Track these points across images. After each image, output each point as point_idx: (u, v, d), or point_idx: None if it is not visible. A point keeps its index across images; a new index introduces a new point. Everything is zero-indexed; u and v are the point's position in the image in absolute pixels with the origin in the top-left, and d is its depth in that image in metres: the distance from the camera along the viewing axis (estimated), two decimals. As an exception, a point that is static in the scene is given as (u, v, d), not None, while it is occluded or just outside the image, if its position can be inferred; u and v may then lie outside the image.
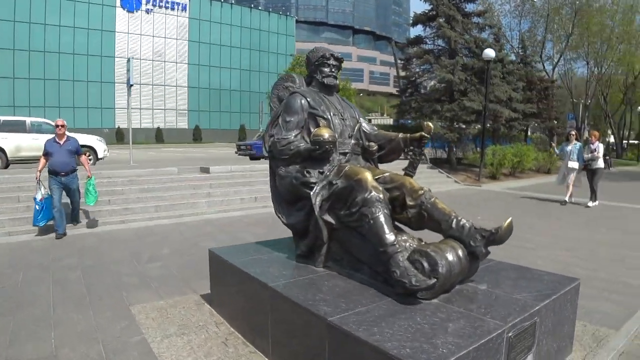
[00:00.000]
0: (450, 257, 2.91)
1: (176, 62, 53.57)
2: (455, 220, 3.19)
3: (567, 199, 11.88)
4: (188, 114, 55.40)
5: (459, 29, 18.19)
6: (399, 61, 26.02)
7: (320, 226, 3.38)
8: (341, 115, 3.88)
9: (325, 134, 3.48)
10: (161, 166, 12.59)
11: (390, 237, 3.00)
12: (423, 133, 3.80)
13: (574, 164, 11.68)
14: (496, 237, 3.00)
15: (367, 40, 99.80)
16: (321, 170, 3.52)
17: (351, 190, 3.23)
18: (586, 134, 26.61)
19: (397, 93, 24.65)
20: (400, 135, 3.96)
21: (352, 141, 3.85)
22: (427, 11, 19.26)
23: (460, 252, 3.00)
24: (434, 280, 2.74)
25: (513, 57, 24.24)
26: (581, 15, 28.14)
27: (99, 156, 15.73)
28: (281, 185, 3.76)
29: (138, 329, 3.76)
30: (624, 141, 43.74)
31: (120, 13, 49.22)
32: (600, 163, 11.69)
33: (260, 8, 65.32)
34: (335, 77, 4.02)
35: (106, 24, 48.21)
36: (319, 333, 2.57)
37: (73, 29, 46.13)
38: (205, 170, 12.03)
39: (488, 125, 18.08)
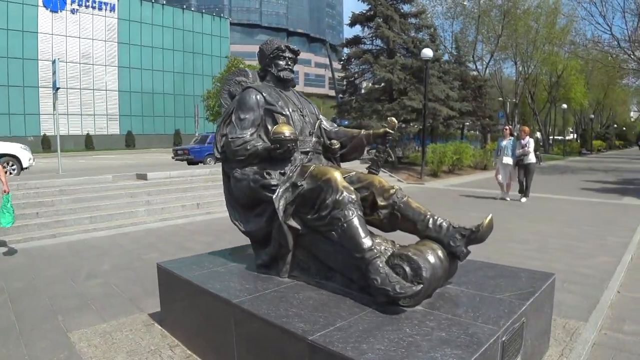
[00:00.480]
0: (432, 259, 2.73)
1: (105, 65, 50.93)
2: (431, 219, 3.01)
3: (504, 194, 12.00)
4: (119, 119, 52.82)
5: (397, 29, 18.44)
6: (335, 61, 26.08)
7: (285, 232, 3.08)
8: (300, 112, 3.60)
9: (286, 131, 3.18)
10: (94, 174, 11.74)
11: (367, 241, 2.76)
12: (387, 129, 3.60)
13: (508, 160, 11.70)
14: (477, 235, 2.86)
15: (301, 43, 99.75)
16: (282, 171, 3.22)
17: (319, 191, 2.95)
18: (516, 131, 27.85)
19: (332, 94, 24.72)
20: (363, 132, 3.74)
21: (314, 139, 3.58)
22: (365, 11, 19.38)
23: (440, 253, 2.83)
24: (419, 287, 2.52)
25: (447, 57, 24.97)
26: (509, 18, 29.46)
27: (24, 166, 14.54)
28: (237, 189, 3.42)
29: (80, 359, 3.29)
30: (550, 137, 46.42)
31: (43, 13, 45.98)
32: (532, 158, 11.83)
33: (192, 9, 63.58)
34: (292, 71, 3.73)
35: (28, 24, 44.82)
36: (299, 354, 2.27)
37: (-10, 30, 42.80)
38: (142, 176, 11.32)
39: (428, 123, 18.42)
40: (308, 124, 3.60)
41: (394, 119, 3.73)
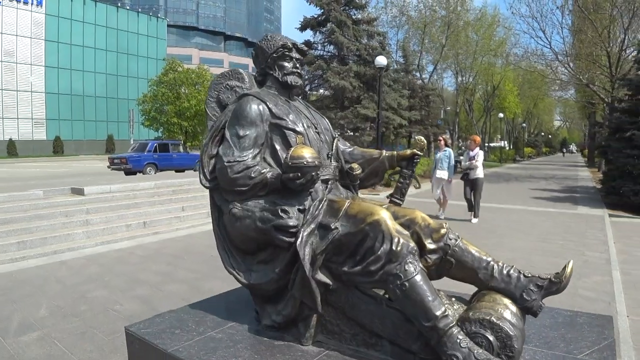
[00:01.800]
0: (515, 321, 2.12)
1: (31, 64, 47.18)
2: (496, 266, 2.39)
3: (439, 213, 10.55)
4: (46, 123, 49.12)
5: (350, 35, 17.99)
6: None
7: (313, 290, 2.30)
8: (315, 128, 2.85)
9: (308, 155, 2.41)
10: (20, 188, 10.28)
11: (437, 305, 2.06)
12: (415, 150, 2.97)
13: (442, 173, 10.37)
14: (559, 286, 2.28)
15: (239, 47, 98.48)
16: (301, 207, 2.46)
17: (363, 237, 2.21)
18: (455, 140, 28.36)
19: None
20: (385, 153, 3.04)
21: (333, 163, 2.83)
22: (317, 16, 18.78)
23: (516, 311, 2.24)
24: (511, 362, 1.87)
25: (394, 66, 24.93)
26: (452, 29, 30.01)
27: None
28: (236, 229, 2.59)
29: None
30: (486, 144, 48.09)
31: (-42, 5, 42.14)
32: (480, 172, 10.22)
33: (127, 8, 60.57)
34: (300, 75, 2.96)
35: (-61, 17, 40.92)
36: None
37: None
38: (79, 191, 10.00)
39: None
40: (325, 144, 2.85)
41: (422, 138, 3.10)
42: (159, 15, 66.54)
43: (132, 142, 25.61)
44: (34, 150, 45.98)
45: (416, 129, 24.02)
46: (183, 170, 21.32)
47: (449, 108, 39.61)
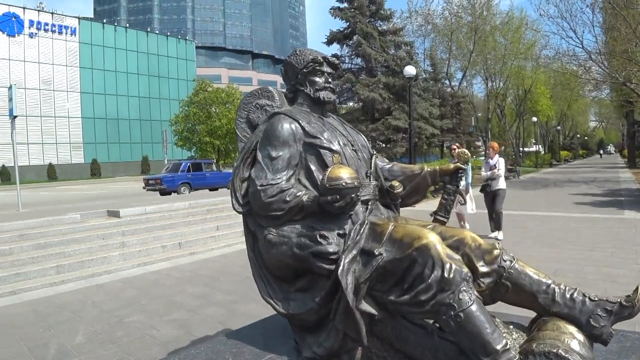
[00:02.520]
0: (582, 351, 1.89)
1: (67, 91, 49.00)
2: (557, 289, 2.16)
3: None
4: (83, 147, 50.73)
5: (377, 46, 17.88)
6: None
7: (357, 321, 2.14)
8: (352, 145, 2.69)
9: (346, 176, 2.24)
10: (58, 212, 10.49)
11: (497, 338, 1.87)
12: (459, 164, 2.74)
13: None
14: (633, 310, 2.04)
15: (266, 64, 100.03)
16: (341, 232, 2.30)
17: (410, 264, 2.04)
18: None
19: None
20: (426, 168, 2.85)
21: (373, 182, 2.66)
22: (343, 29, 18.76)
23: (583, 340, 2.00)
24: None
25: (423, 75, 24.65)
26: (479, 34, 29.54)
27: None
28: (272, 256, 2.44)
29: None
30: (520, 149, 46.99)
31: None
32: (502, 183, 9.21)
33: (157, 32, 62.26)
34: (333, 90, 2.82)
35: (-18, 49, 42.83)
36: None
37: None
38: (115, 214, 10.13)
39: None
40: (363, 162, 2.69)
41: (466, 150, 2.90)
42: (187, 37, 68.21)
43: (166, 162, 26.02)
44: (72, 173, 47.42)
45: (448, 138, 23.61)
46: (217, 189, 21.53)
47: (479, 114, 38.92)
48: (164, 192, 19.93)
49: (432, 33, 30.61)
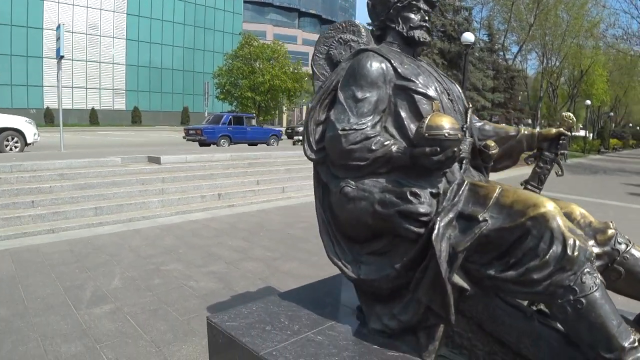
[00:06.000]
0: None
1: (113, 37, 49.20)
2: None
3: None
4: (126, 94, 51.28)
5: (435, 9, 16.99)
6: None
7: (447, 295, 1.80)
8: (448, 94, 2.31)
9: (448, 125, 1.87)
10: (99, 154, 10.45)
11: (625, 333, 1.54)
12: (562, 129, 2.35)
13: None
14: None
15: (312, 24, 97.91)
16: (434, 191, 1.94)
17: (523, 235, 1.67)
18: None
19: None
20: (523, 130, 2.44)
21: (468, 138, 2.28)
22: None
23: None
24: None
25: (480, 45, 23.50)
26: (542, 7, 27.83)
27: (28, 141, 13.39)
28: (346, 212, 2.09)
29: None
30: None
31: (50, -21, 44.32)
32: None
33: (205, -16, 61.53)
34: (429, 30, 2.42)
35: (33, -10, 43.20)
36: None
37: (-7, -5, 41.03)
38: (155, 160, 10.02)
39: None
40: (458, 115, 2.30)
41: (571, 114, 2.48)
42: (234, -9, 67.23)
43: (206, 115, 25.96)
44: (113, 119, 48.20)
45: (498, 112, 22.57)
46: (256, 144, 21.37)
47: (527, 92, 37.20)
48: (203, 143, 19.88)
49: (492, 1, 29.07)
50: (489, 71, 19.55)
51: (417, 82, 2.13)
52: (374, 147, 1.99)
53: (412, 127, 2.07)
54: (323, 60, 2.48)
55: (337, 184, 2.13)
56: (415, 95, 2.10)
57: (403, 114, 2.10)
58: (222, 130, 20.65)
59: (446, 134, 1.84)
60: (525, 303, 2.01)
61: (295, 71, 38.78)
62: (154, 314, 3.76)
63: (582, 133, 51.26)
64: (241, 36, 40.87)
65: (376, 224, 2.02)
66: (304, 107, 60.55)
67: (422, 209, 1.86)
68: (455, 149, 1.87)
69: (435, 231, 1.78)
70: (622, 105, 60.87)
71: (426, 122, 1.89)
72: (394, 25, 2.36)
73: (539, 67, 34.57)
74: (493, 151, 2.33)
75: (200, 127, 21.01)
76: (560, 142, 2.39)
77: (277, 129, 27.92)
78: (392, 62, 2.15)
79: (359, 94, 2.10)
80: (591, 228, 1.94)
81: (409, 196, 1.88)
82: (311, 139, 2.26)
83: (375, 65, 2.13)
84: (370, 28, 2.59)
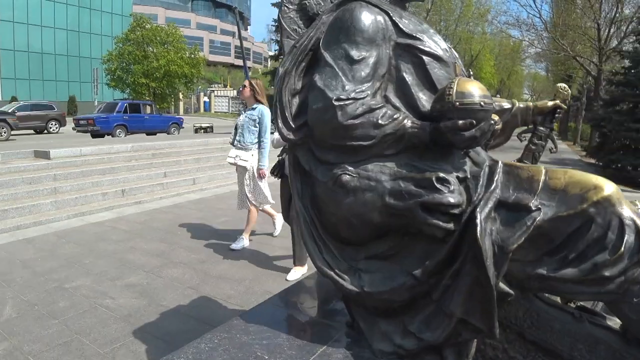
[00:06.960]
0: None
1: (-18, 18, 43.55)
2: None
3: (273, 231, 5.99)
4: (1, 83, 45.77)
5: None
6: (243, 29, 24.11)
7: (492, 306, 1.39)
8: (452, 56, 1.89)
9: (479, 92, 1.48)
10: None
11: None
12: (557, 101, 2.22)
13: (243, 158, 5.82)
14: None
15: (206, 7, 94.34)
16: (461, 175, 1.53)
17: (584, 224, 1.35)
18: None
19: (239, 64, 22.78)
20: (518, 104, 2.21)
21: None
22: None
23: None
24: None
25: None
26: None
27: None
28: (344, 207, 1.59)
29: None
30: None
31: None
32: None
33: (89, -40, 56.45)
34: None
35: None
36: None
37: None
38: (44, 154, 8.70)
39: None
40: None
41: (566, 86, 2.31)
42: (122, -31, 62.43)
43: (96, 104, 23.88)
44: (-13, 111, 42.82)
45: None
46: (155, 134, 19.97)
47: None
48: (96, 134, 18.15)
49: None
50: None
51: (424, 40, 1.69)
52: (381, 122, 1.52)
53: (420, 95, 1.63)
54: (294, 12, 1.95)
55: (328, 171, 1.63)
56: (424, 57, 1.66)
57: (409, 80, 1.65)
58: (117, 119, 19.02)
59: (482, 103, 1.44)
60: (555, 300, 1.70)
61: (193, 56, 36.89)
62: (65, 349, 2.98)
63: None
64: (132, 17, 38.01)
65: (384, 221, 1.56)
66: (201, 95, 58.34)
67: (452, 198, 1.43)
68: (492, 122, 1.48)
69: (479, 226, 1.37)
70: (506, 87, 66.52)
71: (455, 87, 1.47)
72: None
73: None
74: (497, 126, 1.98)
75: (93, 116, 19.26)
76: (556, 115, 2.20)
77: (178, 116, 26.48)
78: (391, 14, 1.69)
79: (354, 53, 1.60)
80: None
81: (435, 183, 1.45)
82: (287, 114, 1.74)
83: (370, 17, 1.65)
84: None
